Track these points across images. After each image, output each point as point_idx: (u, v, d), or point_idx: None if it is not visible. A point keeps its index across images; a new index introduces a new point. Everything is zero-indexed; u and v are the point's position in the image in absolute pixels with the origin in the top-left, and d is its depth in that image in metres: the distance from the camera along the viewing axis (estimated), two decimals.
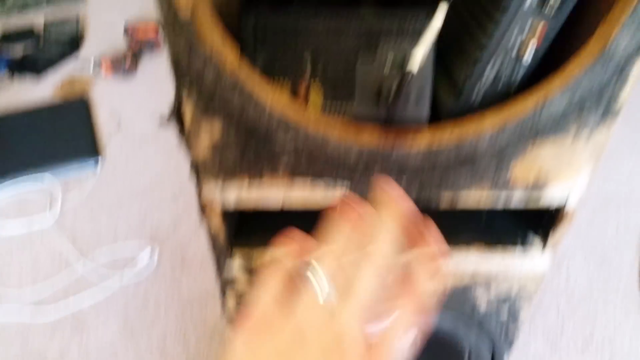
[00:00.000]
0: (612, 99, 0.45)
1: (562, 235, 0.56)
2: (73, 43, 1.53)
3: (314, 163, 0.49)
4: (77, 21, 1.60)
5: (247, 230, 0.62)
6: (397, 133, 0.48)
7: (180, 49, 0.42)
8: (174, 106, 0.44)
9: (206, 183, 0.51)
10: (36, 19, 1.64)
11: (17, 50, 1.48)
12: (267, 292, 0.32)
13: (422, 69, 0.45)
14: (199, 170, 0.50)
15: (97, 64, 1.42)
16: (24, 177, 1.14)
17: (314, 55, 0.49)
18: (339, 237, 0.32)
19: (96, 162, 1.18)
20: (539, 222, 0.59)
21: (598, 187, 1.14)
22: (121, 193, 1.13)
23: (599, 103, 0.45)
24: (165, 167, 1.20)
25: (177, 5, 0.39)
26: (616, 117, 0.46)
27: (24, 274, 0.98)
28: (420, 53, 0.42)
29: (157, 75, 1.41)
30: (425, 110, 0.48)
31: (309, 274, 0.30)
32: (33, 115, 1.29)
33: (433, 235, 0.34)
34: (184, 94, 0.44)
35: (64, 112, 1.30)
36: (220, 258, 0.61)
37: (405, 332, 0.31)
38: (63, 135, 1.23)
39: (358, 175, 0.50)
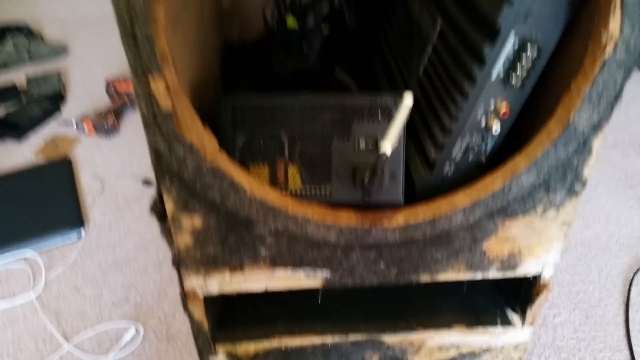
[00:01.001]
0: (577, 175, 0.47)
1: (540, 307, 0.57)
2: (55, 100, 1.54)
3: (294, 246, 0.50)
4: (59, 78, 1.62)
5: (231, 316, 0.62)
6: (374, 213, 0.49)
7: (161, 142, 0.43)
8: (155, 199, 0.45)
9: (188, 274, 0.52)
10: (17, 76, 1.65)
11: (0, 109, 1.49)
12: None
13: (394, 151, 0.47)
14: (180, 262, 0.50)
15: (80, 122, 1.43)
16: (5, 252, 1.12)
17: (291, 136, 0.50)
18: None
19: (79, 232, 1.17)
20: (517, 295, 0.60)
21: (578, 233, 1.15)
22: (105, 262, 1.11)
23: (564, 180, 0.47)
24: (149, 229, 1.19)
25: (157, 99, 0.41)
26: (580, 194, 0.48)
27: (6, 357, 0.96)
28: (392, 137, 0.43)
29: (139, 132, 1.42)
30: (399, 191, 0.49)
31: None
32: (15, 179, 1.29)
33: None
34: (165, 185, 0.44)
35: (47, 174, 1.30)
36: (204, 353, 0.60)
37: None
38: (46, 202, 1.22)
39: (338, 257, 0.51)
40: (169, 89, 0.39)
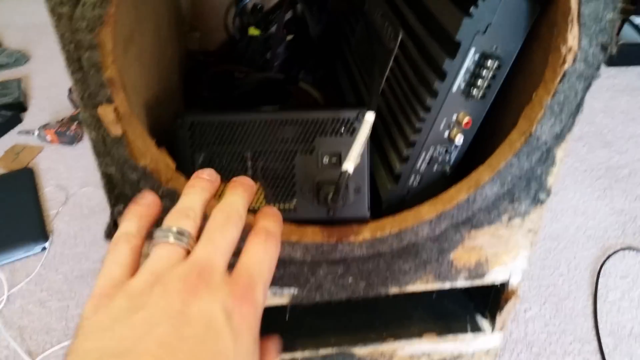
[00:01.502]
0: (540, 184, 0.47)
1: (509, 313, 0.57)
2: (16, 108, 1.49)
3: None
4: (19, 85, 1.56)
5: None
6: (339, 229, 0.49)
7: (112, 167, 0.41)
8: (109, 224, 0.43)
9: None
10: None
11: None
12: (114, 262, 0.30)
13: (358, 166, 0.46)
14: None
15: (42, 131, 1.38)
16: None
17: (253, 152, 0.49)
18: (186, 197, 0.33)
19: (43, 243, 1.14)
20: (486, 301, 0.60)
21: (546, 227, 1.17)
22: (71, 274, 1.09)
23: (528, 190, 0.47)
24: None
25: (106, 126, 0.39)
26: (545, 202, 0.48)
27: None
28: (354, 155, 0.42)
29: None
30: (365, 206, 0.49)
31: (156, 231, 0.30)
32: None
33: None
34: (119, 211, 0.43)
35: (8, 185, 1.26)
36: None
37: (259, 259, 0.31)
38: (8, 214, 1.18)
39: (305, 273, 0.50)
40: (119, 115, 0.37)
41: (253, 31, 0.74)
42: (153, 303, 0.26)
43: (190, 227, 0.31)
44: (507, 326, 0.62)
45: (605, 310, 0.99)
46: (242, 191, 0.34)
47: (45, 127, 1.39)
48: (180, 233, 0.30)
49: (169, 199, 0.43)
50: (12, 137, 1.43)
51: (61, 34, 0.34)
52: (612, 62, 1.61)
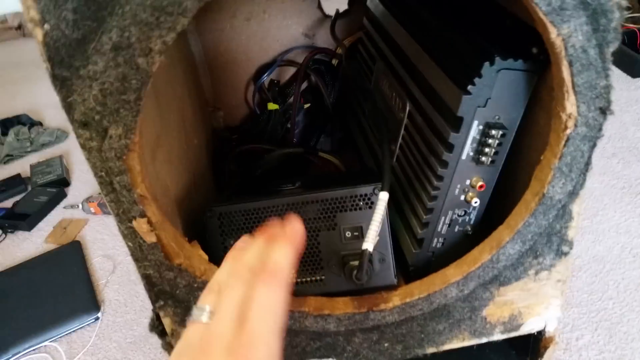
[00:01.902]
0: (562, 239, 0.48)
1: (549, 359, 0.57)
2: (60, 184, 1.57)
3: (295, 340, 0.51)
4: (62, 162, 1.65)
5: None
6: (369, 298, 0.50)
7: (150, 269, 0.44)
8: (153, 317, 0.46)
9: None
10: (22, 166, 1.69)
11: (7, 201, 1.53)
12: None
13: (380, 236, 0.48)
14: None
15: (86, 204, 1.45)
16: (24, 344, 1.14)
17: None
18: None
19: (96, 313, 1.19)
20: (526, 349, 0.60)
21: (589, 249, 1.14)
22: (124, 341, 1.13)
23: (550, 244, 0.48)
24: None
25: (141, 234, 0.43)
26: (570, 253, 0.48)
27: None
28: (372, 233, 0.44)
29: None
30: (391, 274, 0.50)
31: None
32: (28, 268, 1.31)
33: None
34: (160, 305, 0.46)
35: (59, 259, 1.32)
36: None
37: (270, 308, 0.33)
38: (61, 287, 1.24)
39: (341, 343, 0.51)
40: (152, 224, 0.41)
41: (272, 106, 0.78)
42: None
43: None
44: None
45: None
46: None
47: (88, 199, 1.46)
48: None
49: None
50: (59, 212, 1.50)
51: (93, 163, 0.37)
52: (636, 73, 1.58)
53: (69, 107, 0.36)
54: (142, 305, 1.20)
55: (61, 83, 0.35)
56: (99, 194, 1.49)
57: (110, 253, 1.35)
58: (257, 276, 0.34)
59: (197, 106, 0.72)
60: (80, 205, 1.46)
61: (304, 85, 0.80)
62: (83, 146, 0.37)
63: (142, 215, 0.40)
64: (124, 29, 0.33)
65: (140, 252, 0.43)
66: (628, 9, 1.83)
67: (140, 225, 0.40)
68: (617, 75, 1.59)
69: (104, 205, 1.44)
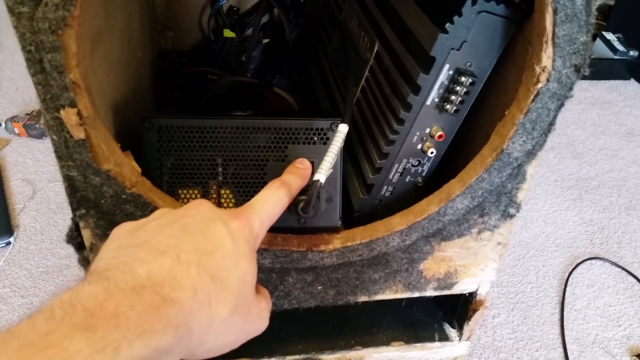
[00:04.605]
0: (510, 200, 0.47)
1: (476, 323, 0.58)
2: None
3: None
4: None
5: None
6: (310, 238, 0.48)
7: (74, 171, 0.40)
8: (71, 227, 0.42)
9: None
10: None
11: None
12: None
13: (330, 175, 0.46)
14: None
15: (9, 124, 1.34)
16: None
17: (223, 158, 0.48)
18: None
19: (8, 239, 1.11)
20: (454, 310, 0.60)
21: (516, 235, 1.19)
22: (36, 270, 1.06)
23: (498, 204, 0.47)
24: None
25: (69, 126, 0.38)
26: (515, 216, 0.48)
27: None
28: (326, 165, 0.42)
29: None
30: (336, 216, 0.48)
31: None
32: None
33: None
34: (81, 215, 0.41)
35: None
36: None
37: (264, 197, 0.38)
38: None
39: (274, 280, 0.49)
40: (82, 118, 0.36)
41: (228, 33, 0.73)
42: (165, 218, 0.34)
43: None
44: (475, 334, 0.62)
45: (572, 318, 1.01)
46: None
47: (13, 119, 1.35)
48: None
49: (133, 203, 0.42)
50: None
51: (21, 34, 0.32)
52: (584, 76, 1.64)
53: None
54: (59, 235, 1.13)
55: None
56: (26, 114, 1.37)
57: (31, 178, 1.25)
58: None
59: (146, 19, 0.66)
60: (4, 124, 1.34)
61: (266, 18, 0.75)
62: (11, 10, 0.31)
63: (73, 104, 0.35)
64: None
65: (65, 148, 0.38)
66: None
67: (69, 115, 0.35)
68: None
69: (29, 127, 1.33)
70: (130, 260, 0.29)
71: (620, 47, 1.60)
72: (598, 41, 1.65)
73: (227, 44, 0.73)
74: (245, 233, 0.34)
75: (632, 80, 1.66)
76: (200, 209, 0.34)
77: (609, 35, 1.64)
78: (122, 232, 0.33)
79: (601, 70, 1.64)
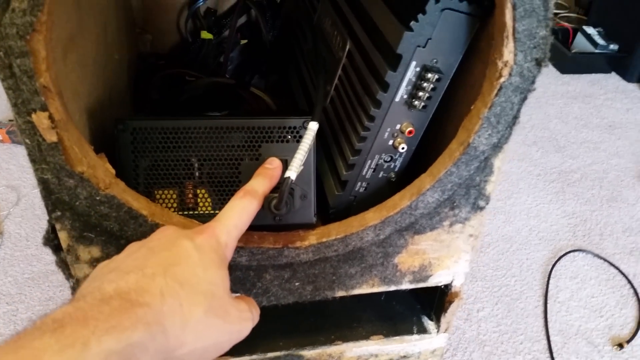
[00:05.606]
0: (479, 192, 0.48)
1: (453, 315, 0.59)
2: None
3: None
4: None
5: None
6: (286, 235, 0.49)
7: (48, 173, 0.40)
8: (48, 229, 0.42)
9: None
10: None
11: None
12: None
13: (304, 172, 0.47)
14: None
15: None
16: None
17: (198, 158, 0.49)
18: None
19: None
20: (431, 302, 0.61)
21: (500, 229, 1.20)
22: (21, 276, 1.05)
23: (468, 197, 0.48)
24: None
25: (41, 130, 0.38)
26: (485, 209, 0.49)
27: None
28: (297, 162, 0.43)
29: None
30: (311, 213, 0.49)
31: None
32: None
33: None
34: (56, 217, 0.42)
35: None
36: None
37: (229, 208, 0.40)
38: None
39: (251, 278, 0.50)
40: (55, 122, 0.37)
41: (206, 35, 0.74)
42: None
43: None
44: (452, 327, 0.63)
45: (555, 310, 1.02)
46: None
47: None
48: None
49: (108, 205, 0.42)
50: None
51: None
52: (566, 69, 1.66)
53: None
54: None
55: None
56: (10, 120, 1.37)
57: (16, 184, 1.25)
58: None
59: (123, 23, 0.66)
60: None
61: (243, 19, 0.76)
62: None
63: (44, 108, 0.36)
64: None
65: (38, 151, 0.38)
66: (563, 7, 1.91)
67: (41, 119, 0.36)
68: (547, 70, 1.66)
69: (12, 133, 1.33)
70: (100, 284, 0.30)
71: (600, 41, 1.62)
72: (579, 35, 1.66)
73: (204, 46, 0.73)
74: (211, 243, 0.36)
75: (613, 74, 1.68)
76: (165, 232, 0.36)
77: (590, 30, 1.66)
78: (98, 268, 0.35)
79: (582, 64, 1.66)
